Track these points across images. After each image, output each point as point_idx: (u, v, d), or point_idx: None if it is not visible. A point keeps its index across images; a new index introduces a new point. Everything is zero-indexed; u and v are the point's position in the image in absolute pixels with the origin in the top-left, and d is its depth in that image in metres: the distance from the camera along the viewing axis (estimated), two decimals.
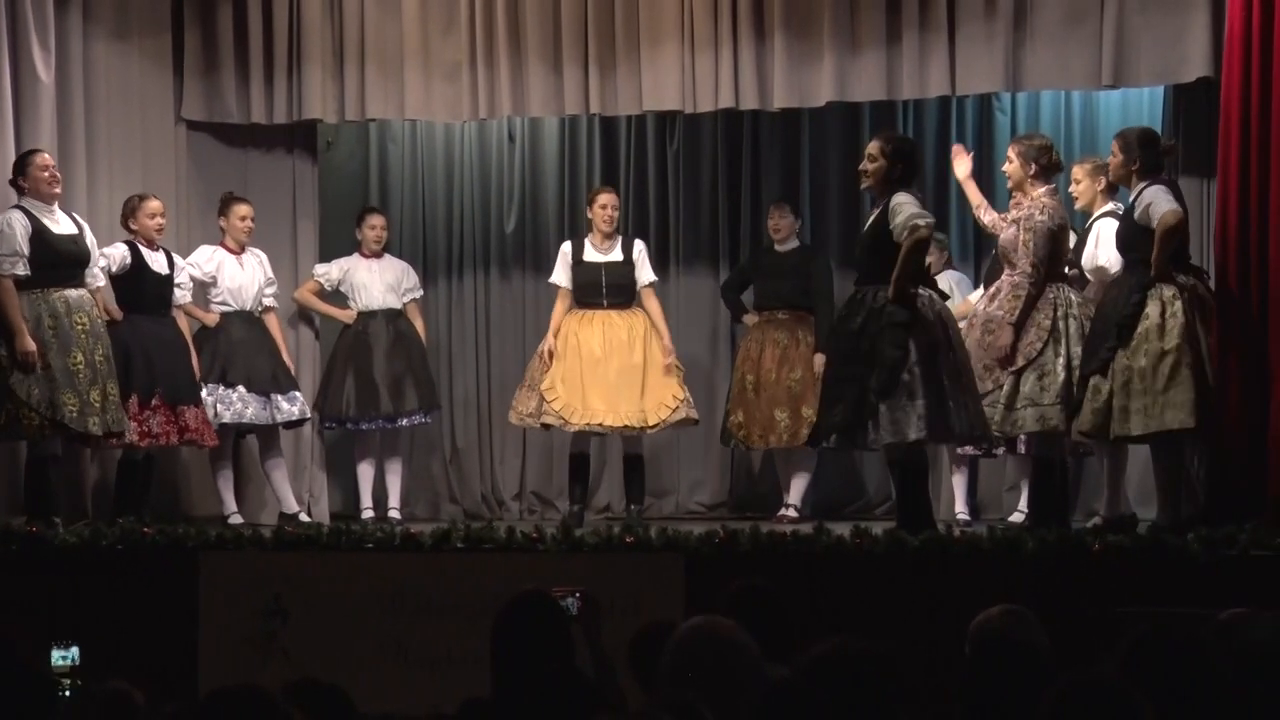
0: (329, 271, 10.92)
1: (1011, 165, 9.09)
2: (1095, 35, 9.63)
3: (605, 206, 10.56)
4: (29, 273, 9.26)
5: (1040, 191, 8.99)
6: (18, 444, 9.60)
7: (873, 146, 8.82)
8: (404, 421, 10.91)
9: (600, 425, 10.38)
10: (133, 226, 9.96)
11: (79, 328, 9.31)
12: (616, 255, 10.58)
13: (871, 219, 8.81)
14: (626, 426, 10.37)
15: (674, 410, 10.38)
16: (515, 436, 11.70)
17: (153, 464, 10.04)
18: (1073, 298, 9.00)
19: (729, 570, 7.25)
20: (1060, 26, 9.70)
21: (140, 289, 9.90)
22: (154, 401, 9.77)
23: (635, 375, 10.35)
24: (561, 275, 10.63)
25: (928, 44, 9.86)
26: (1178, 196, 8.69)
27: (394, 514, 10.81)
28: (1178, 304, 8.51)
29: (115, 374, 9.46)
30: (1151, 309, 8.53)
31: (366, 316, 10.88)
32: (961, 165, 9.47)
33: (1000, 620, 5.05)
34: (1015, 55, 9.76)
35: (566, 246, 10.68)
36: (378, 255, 11.00)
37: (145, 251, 9.95)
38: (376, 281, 10.93)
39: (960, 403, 8.56)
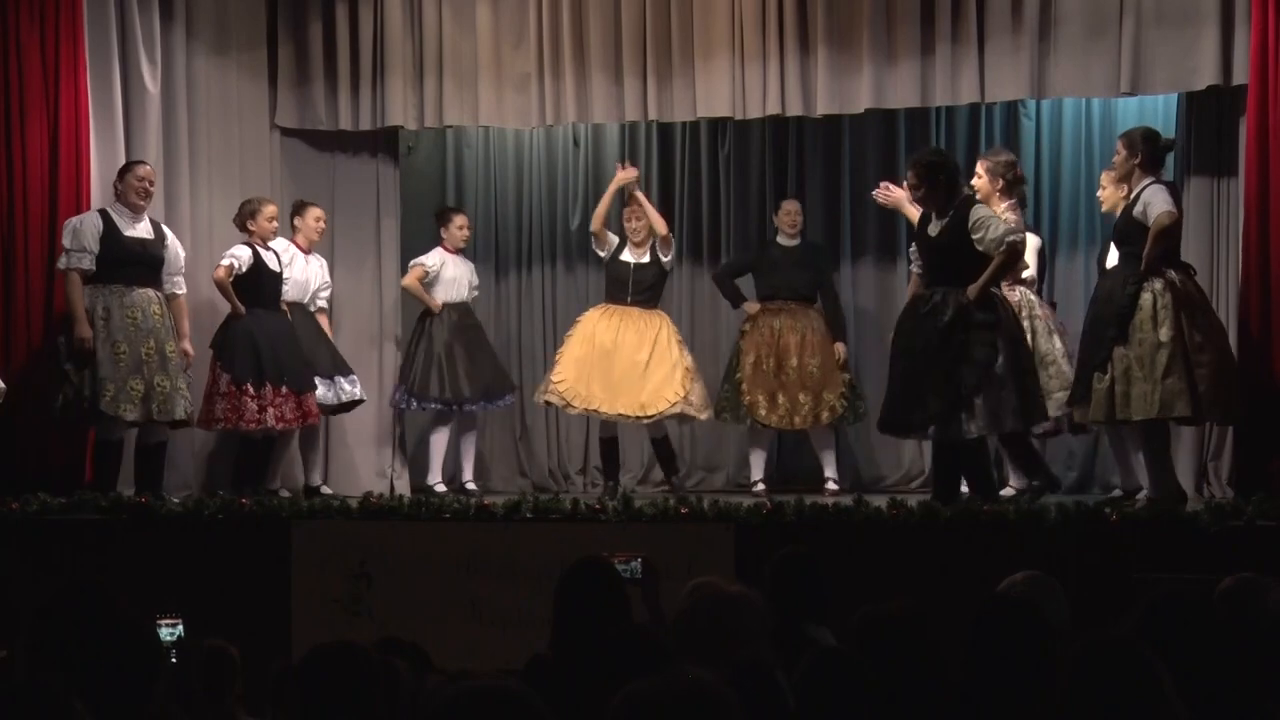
0: (431, 262, 10.87)
1: (980, 180, 9.13)
2: (1114, 47, 9.59)
3: (629, 220, 10.64)
4: (94, 268, 9.33)
5: (1004, 206, 9.03)
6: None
7: (912, 175, 8.77)
8: (479, 405, 10.89)
9: (596, 412, 10.43)
10: (250, 227, 9.95)
11: (129, 321, 9.34)
12: (645, 258, 10.58)
13: (942, 225, 8.66)
14: (622, 415, 10.38)
15: (671, 405, 10.33)
16: (579, 417, 11.70)
17: (271, 444, 10.10)
18: (1034, 298, 9.14)
19: (775, 539, 7.25)
20: (1082, 39, 9.66)
21: (259, 285, 9.91)
22: (282, 389, 9.83)
23: (637, 370, 10.34)
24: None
25: (959, 55, 9.83)
26: (1175, 198, 8.61)
27: (469, 486, 10.82)
28: (1168, 296, 8.45)
29: (169, 368, 9.43)
30: (1144, 300, 8.48)
31: (450, 308, 10.84)
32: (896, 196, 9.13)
33: (1024, 586, 5.00)
34: (1040, 65, 9.73)
35: (614, 238, 10.76)
36: (460, 252, 10.99)
37: (261, 251, 9.96)
38: (463, 277, 10.91)
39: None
